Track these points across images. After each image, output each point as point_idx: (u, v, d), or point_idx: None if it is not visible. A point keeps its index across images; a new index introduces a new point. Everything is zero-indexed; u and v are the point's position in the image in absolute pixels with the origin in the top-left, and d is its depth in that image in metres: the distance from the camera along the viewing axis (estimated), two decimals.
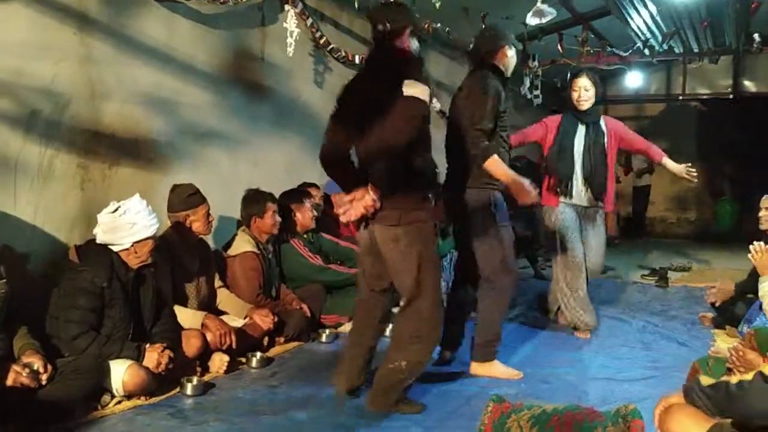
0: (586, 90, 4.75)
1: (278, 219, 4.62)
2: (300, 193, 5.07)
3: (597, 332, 4.97)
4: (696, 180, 5.06)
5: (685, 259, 8.62)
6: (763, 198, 4.96)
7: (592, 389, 3.77)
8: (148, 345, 3.40)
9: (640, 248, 10.02)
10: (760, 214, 4.92)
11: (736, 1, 6.16)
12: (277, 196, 4.95)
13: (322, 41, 5.70)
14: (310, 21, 5.51)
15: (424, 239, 3.20)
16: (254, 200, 4.59)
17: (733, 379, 2.17)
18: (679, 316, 5.60)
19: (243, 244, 4.50)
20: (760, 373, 2.05)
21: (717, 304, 5.08)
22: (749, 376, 2.09)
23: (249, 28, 5.12)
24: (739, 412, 1.99)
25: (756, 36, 7.30)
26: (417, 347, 3.25)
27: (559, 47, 7.49)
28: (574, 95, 4.80)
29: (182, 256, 4.06)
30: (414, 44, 3.21)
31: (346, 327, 4.84)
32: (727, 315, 4.93)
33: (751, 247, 3.86)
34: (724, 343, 4.32)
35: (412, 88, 3.00)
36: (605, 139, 4.83)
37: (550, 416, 2.36)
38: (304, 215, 4.95)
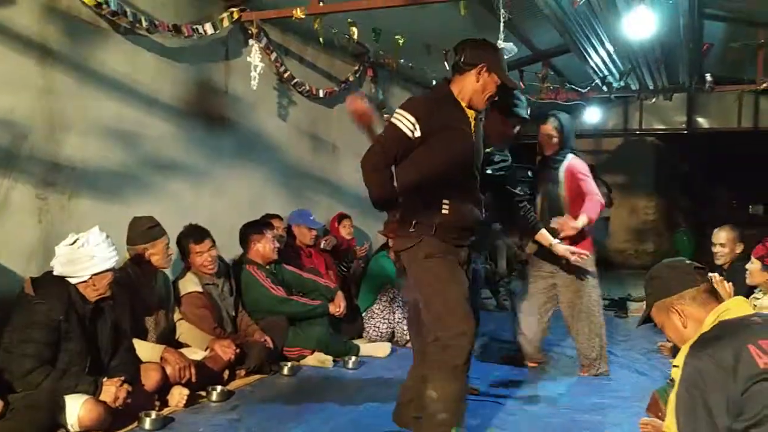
0: (549, 136, 4.64)
1: (210, 258, 4.44)
2: (260, 224, 5.04)
3: (559, 362, 5.02)
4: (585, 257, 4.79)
5: (643, 290, 8.71)
6: (714, 233, 5.04)
7: (555, 420, 3.80)
8: (105, 379, 3.33)
9: (601, 279, 10.13)
10: (715, 249, 5.01)
11: (689, 42, 6.36)
12: (239, 227, 4.94)
13: (286, 75, 5.74)
14: (274, 55, 5.56)
15: (417, 261, 3.03)
16: (180, 241, 4.47)
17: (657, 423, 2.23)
18: (639, 346, 5.68)
19: (187, 284, 4.42)
20: None
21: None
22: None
23: (213, 61, 5.15)
24: None
25: (707, 76, 7.54)
26: (437, 358, 2.94)
27: (521, 83, 7.64)
28: (539, 139, 4.72)
29: (141, 289, 4.01)
30: None
31: (309, 360, 4.81)
32: None
33: (710, 277, 3.91)
34: None
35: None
36: (561, 190, 4.64)
37: None
38: (265, 246, 4.92)
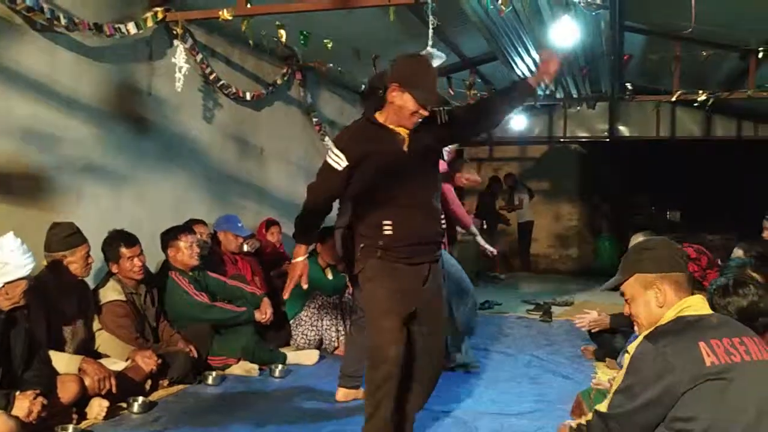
0: None
1: (139, 263, 4.33)
2: (181, 229, 4.89)
3: (486, 368, 5.07)
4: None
5: (567, 295, 8.98)
6: (632, 238, 5.18)
7: (482, 425, 3.82)
8: (18, 392, 3.16)
9: (525, 284, 10.35)
10: None
11: (611, 53, 6.56)
12: (161, 232, 4.81)
13: (212, 77, 5.64)
14: (200, 57, 5.45)
15: (361, 286, 3.18)
16: (108, 244, 4.33)
17: (574, 423, 2.28)
18: (563, 350, 5.80)
19: (109, 293, 4.26)
20: (596, 411, 2.15)
21: (593, 331, 5.25)
22: (588, 416, 2.20)
23: (136, 62, 5.00)
24: None
25: (628, 85, 7.79)
26: (367, 378, 3.13)
27: (450, 90, 7.72)
28: None
29: (58, 298, 3.84)
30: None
31: (234, 369, 4.71)
32: (608, 348, 5.15)
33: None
34: (604, 375, 4.50)
35: None
36: None
37: None
38: (185, 252, 4.78)
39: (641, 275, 2.28)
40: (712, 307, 2.45)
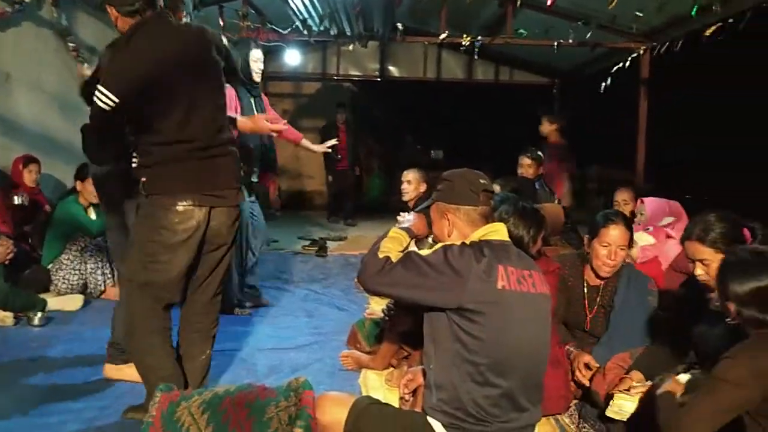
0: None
1: None
2: None
3: (262, 307, 5.03)
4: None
5: (341, 230, 9.21)
6: (404, 174, 5.40)
7: (261, 361, 3.83)
8: None
9: (301, 220, 10.45)
10: (402, 188, 5.38)
11: None
12: None
13: None
14: None
15: None
16: None
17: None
18: (338, 283, 5.96)
19: None
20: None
21: None
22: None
23: None
24: None
25: (399, 26, 7.98)
26: None
27: (221, 20, 7.39)
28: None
29: None
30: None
31: None
32: None
33: (398, 217, 4.11)
34: (377, 305, 4.68)
35: None
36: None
37: (222, 399, 2.28)
38: None
39: (438, 204, 2.40)
40: None
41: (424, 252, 2.23)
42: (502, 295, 2.13)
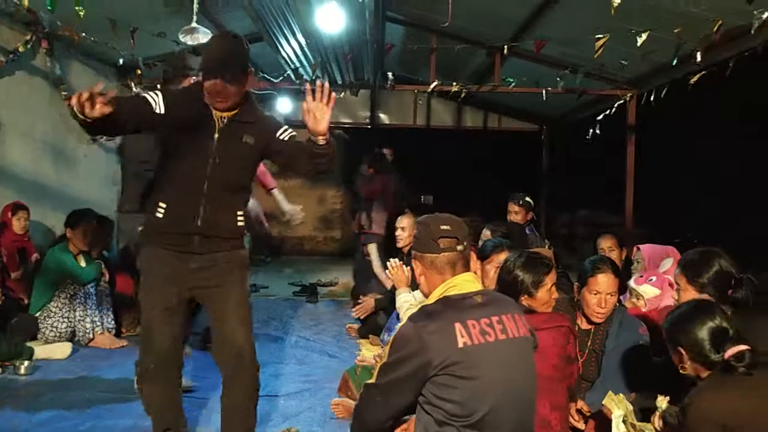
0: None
1: None
2: None
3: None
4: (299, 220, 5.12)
5: (332, 275, 9.20)
6: (398, 219, 5.45)
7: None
8: None
9: (291, 266, 10.43)
10: (397, 234, 5.41)
11: (374, 42, 6.76)
12: None
13: None
14: None
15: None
16: None
17: None
18: (328, 329, 5.93)
19: None
20: (366, 384, 2.26)
21: (362, 317, 5.49)
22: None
23: None
24: None
25: (389, 74, 8.10)
26: None
27: None
28: None
29: None
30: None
31: None
32: (371, 325, 5.35)
33: (388, 264, 4.09)
34: (368, 351, 4.66)
35: None
36: None
37: None
38: None
39: (413, 251, 2.39)
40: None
41: (384, 354, 2.21)
42: (466, 353, 2.07)
